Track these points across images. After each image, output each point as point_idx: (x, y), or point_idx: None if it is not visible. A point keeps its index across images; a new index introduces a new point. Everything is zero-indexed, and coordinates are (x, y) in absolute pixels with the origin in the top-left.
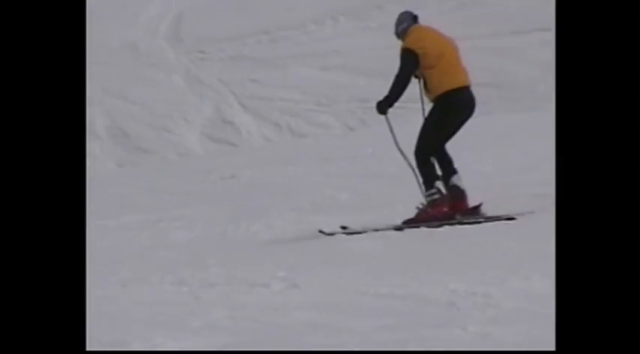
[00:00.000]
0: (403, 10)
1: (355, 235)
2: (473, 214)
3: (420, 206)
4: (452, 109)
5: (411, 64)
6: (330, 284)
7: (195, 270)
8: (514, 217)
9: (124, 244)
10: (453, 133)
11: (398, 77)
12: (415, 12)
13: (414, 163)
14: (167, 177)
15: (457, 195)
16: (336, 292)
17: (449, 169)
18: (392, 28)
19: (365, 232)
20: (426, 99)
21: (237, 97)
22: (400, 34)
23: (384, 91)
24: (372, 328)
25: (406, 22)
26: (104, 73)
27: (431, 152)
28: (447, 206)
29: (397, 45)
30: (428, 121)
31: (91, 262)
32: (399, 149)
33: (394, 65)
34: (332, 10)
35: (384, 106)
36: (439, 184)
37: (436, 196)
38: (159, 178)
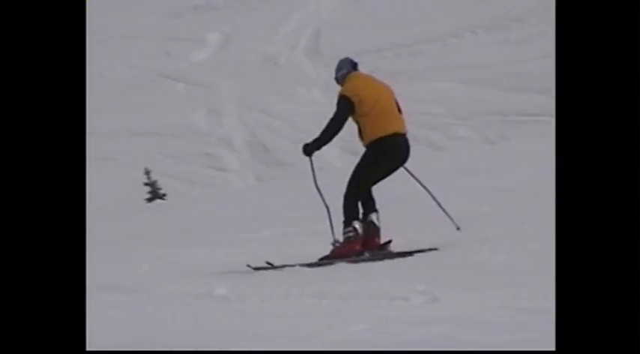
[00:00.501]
0: (540, 23)
1: (494, 248)
2: (380, 251)
3: (336, 244)
4: (384, 155)
5: (345, 111)
6: (470, 298)
7: (336, 283)
8: (412, 252)
9: (264, 258)
10: (383, 178)
11: (331, 122)
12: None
13: (341, 202)
14: (306, 191)
15: (371, 231)
16: (476, 306)
17: (370, 208)
18: (531, 42)
19: (285, 266)
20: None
21: None
22: (339, 79)
23: (523, 105)
24: (511, 342)
25: (345, 69)
26: (244, 88)
27: (359, 196)
28: (359, 245)
29: (539, 57)
30: (359, 166)
31: (230, 276)
32: (318, 189)
33: (535, 78)
34: (471, 23)
35: (310, 149)
36: (356, 224)
37: (351, 235)
38: (298, 192)
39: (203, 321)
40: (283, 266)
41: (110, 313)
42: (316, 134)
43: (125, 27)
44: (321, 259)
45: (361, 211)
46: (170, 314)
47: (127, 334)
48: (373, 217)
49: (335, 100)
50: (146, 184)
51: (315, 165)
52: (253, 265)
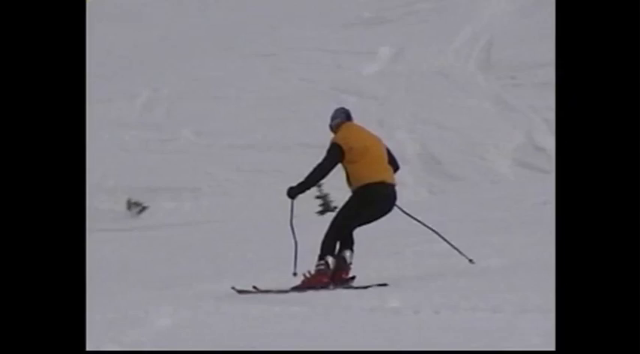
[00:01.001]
0: None
1: None
2: (343, 284)
3: (307, 275)
4: (368, 201)
5: (335, 157)
6: None
7: (509, 296)
8: (367, 286)
9: (436, 270)
10: (365, 223)
11: (319, 166)
12: None
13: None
14: (477, 204)
15: (341, 265)
16: None
17: (346, 246)
18: None
19: (268, 292)
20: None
21: (548, 123)
22: (333, 127)
23: None
24: None
25: (339, 118)
26: (415, 101)
27: (339, 237)
28: (327, 277)
29: None
30: (344, 209)
31: (403, 288)
32: (292, 227)
33: None
34: None
35: (295, 192)
36: (329, 258)
37: (322, 267)
38: (469, 205)
39: (375, 332)
40: (267, 291)
41: (282, 325)
42: (489, 147)
43: (295, 40)
44: (293, 288)
45: (338, 247)
46: (341, 326)
47: (295, 345)
48: (346, 253)
49: (504, 113)
50: (317, 197)
51: (488, 178)
52: (238, 288)
